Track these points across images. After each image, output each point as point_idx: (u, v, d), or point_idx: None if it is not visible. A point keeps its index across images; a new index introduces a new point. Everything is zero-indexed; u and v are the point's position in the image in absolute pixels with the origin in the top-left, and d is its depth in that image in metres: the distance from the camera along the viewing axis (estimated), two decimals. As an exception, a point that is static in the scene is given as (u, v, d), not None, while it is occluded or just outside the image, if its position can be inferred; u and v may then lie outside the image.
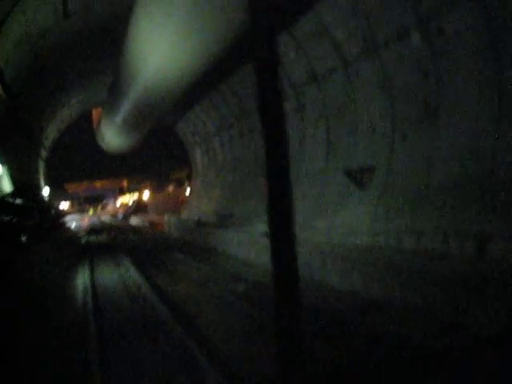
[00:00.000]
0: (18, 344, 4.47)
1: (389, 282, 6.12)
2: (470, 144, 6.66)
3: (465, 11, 6.37)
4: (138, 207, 38.22)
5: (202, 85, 13.46)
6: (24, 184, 11.41)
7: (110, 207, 64.91)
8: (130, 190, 58.10)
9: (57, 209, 23.87)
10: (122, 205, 55.94)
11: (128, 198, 55.42)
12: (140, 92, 11.51)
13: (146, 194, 40.62)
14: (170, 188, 32.83)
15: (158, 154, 35.32)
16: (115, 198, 65.30)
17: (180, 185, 29.57)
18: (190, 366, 4.16)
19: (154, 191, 39.59)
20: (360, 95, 9.34)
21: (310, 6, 9.26)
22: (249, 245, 11.12)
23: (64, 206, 49.46)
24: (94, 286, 8.26)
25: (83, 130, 23.84)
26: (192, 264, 10.65)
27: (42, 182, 17.90)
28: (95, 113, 22.65)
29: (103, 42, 12.51)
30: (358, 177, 9.08)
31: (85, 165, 42.48)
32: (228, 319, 5.96)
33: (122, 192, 64.44)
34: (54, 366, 4.20)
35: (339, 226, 9.26)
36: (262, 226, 11.56)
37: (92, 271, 9.90)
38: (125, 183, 64.15)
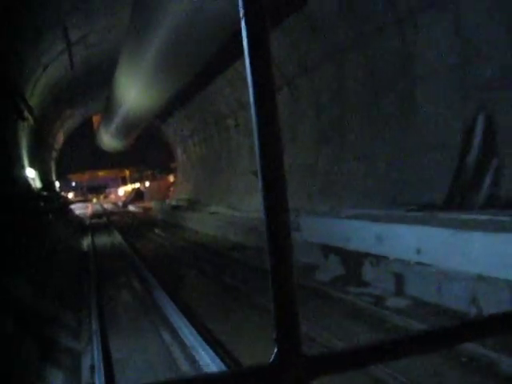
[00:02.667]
0: (61, 251, 10.43)
1: (254, 236, 11.94)
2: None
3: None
4: (136, 196, 44.32)
5: (174, 103, 19.27)
6: (47, 181, 17.45)
7: (112, 196, 70.94)
8: (132, 180, 63.83)
9: (65, 198, 30.04)
10: (125, 193, 61.77)
11: (130, 188, 61.18)
12: (125, 112, 17.28)
13: (147, 184, 46.52)
14: (161, 179, 38.78)
15: (153, 149, 41.16)
16: (117, 188, 70.97)
17: (168, 175, 35.50)
18: (134, 266, 10.09)
19: (151, 181, 45.55)
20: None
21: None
22: (201, 221, 17.03)
23: (69, 195, 55.63)
24: (93, 242, 14.31)
25: (85, 132, 29.79)
26: (159, 233, 16.65)
27: (54, 178, 23.98)
28: (95, 118, 28.56)
29: (98, 79, 18.40)
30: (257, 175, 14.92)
31: (88, 157, 48.21)
32: (164, 256, 11.86)
33: (124, 182, 70.05)
34: (78, 265, 10.15)
35: (252, 206, 15.10)
36: (213, 208, 17.62)
37: (93, 236, 15.99)
38: (127, 173, 69.95)
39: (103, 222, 24.43)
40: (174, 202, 23.11)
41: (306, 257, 8.65)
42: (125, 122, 19.11)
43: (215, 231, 14.58)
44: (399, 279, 6.50)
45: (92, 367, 4.41)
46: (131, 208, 37.09)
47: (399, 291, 6.47)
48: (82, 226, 21.28)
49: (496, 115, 7.32)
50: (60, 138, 24.68)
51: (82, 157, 42.52)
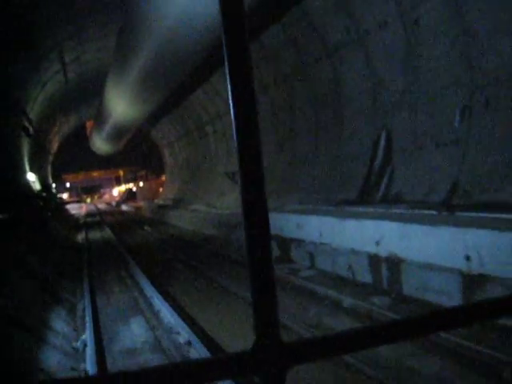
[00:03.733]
0: (61, 245, 12.85)
1: (223, 229, 14.35)
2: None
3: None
4: (129, 196, 46.74)
5: (161, 111, 21.66)
6: (45, 183, 19.88)
7: (106, 196, 73.24)
8: (126, 180, 65.91)
9: (60, 198, 32.43)
10: (119, 193, 63.98)
11: (124, 188, 63.35)
12: (114, 121, 19.64)
13: (140, 184, 48.87)
14: (152, 179, 41.18)
15: (146, 150, 43.55)
16: (112, 188, 73.09)
17: (159, 177, 37.93)
18: (119, 253, 12.52)
19: (143, 182, 47.93)
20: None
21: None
22: (183, 217, 19.46)
23: (64, 196, 57.90)
24: (87, 237, 16.76)
25: (79, 135, 32.21)
26: (145, 229, 19.10)
27: (51, 180, 26.40)
28: (88, 124, 30.96)
29: (90, 90, 20.81)
30: (231, 176, 17.36)
31: (82, 158, 50.42)
32: (145, 245, 14.28)
33: (118, 182, 72.08)
34: (75, 254, 12.57)
35: (224, 204, 17.54)
36: (194, 206, 20.04)
37: (86, 232, 18.43)
38: (121, 173, 72.10)
39: (97, 220, 26.85)
40: (161, 202, 25.54)
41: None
42: (114, 129, 21.48)
43: (193, 226, 17.03)
44: (311, 256, 8.95)
45: (83, 309, 6.84)
46: (124, 207, 39.50)
47: (311, 265, 8.91)
48: (76, 224, 23.71)
49: (392, 132, 9.78)
50: (55, 143, 27.09)
51: (76, 158, 44.79)
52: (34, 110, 17.44)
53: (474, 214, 6.40)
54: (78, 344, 5.20)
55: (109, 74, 16.19)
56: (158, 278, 8.78)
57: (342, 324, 5.72)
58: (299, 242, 9.35)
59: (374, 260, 7.12)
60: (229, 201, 17.19)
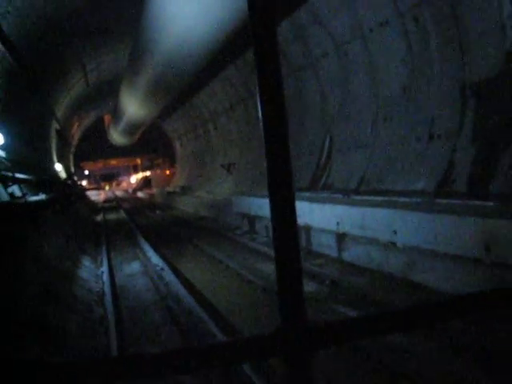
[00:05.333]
0: (82, 221, 16.70)
1: (214, 211, 18.03)
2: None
3: None
4: (145, 183, 50.84)
5: (170, 108, 25.39)
6: (69, 172, 23.85)
7: (124, 184, 77.63)
8: (144, 168, 69.95)
9: (81, 185, 36.62)
10: (136, 181, 68.08)
11: (141, 176, 67.43)
12: (129, 118, 23.38)
13: (158, 172, 52.81)
14: (166, 168, 45.10)
15: (161, 140, 47.51)
16: (129, 176, 77.29)
17: (172, 166, 41.83)
18: (130, 228, 16.31)
19: (158, 170, 51.90)
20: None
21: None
22: (187, 202, 23.23)
23: (83, 183, 62.34)
24: (105, 217, 20.67)
25: (98, 127, 36.19)
26: (156, 212, 22.95)
27: (73, 169, 30.45)
28: (106, 117, 34.89)
29: (108, 90, 24.62)
30: (227, 167, 21.01)
31: (101, 148, 54.51)
32: (156, 226, 18.05)
33: (136, 170, 76.20)
34: (95, 228, 16.43)
35: (221, 191, 21.21)
36: (197, 193, 23.81)
37: (104, 214, 22.37)
38: (138, 161, 76.21)
39: (113, 205, 30.87)
40: (171, 189, 29.39)
41: (232, 221, 14.78)
42: (129, 125, 25.29)
43: (194, 209, 20.78)
44: (267, 228, 12.56)
45: (102, 259, 10.61)
46: (139, 194, 43.60)
47: (266, 235, 12.53)
48: (96, 207, 27.72)
49: (333, 136, 13.29)
50: (77, 136, 31.11)
51: (95, 148, 48.83)
52: (60, 110, 21.32)
53: (358, 197, 9.94)
54: (99, 272, 8.95)
55: (123, 79, 19.85)
56: (154, 242, 12.49)
57: (266, 266, 9.32)
58: (260, 218, 12.97)
59: (298, 228, 10.69)
60: (225, 189, 20.87)
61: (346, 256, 8.92)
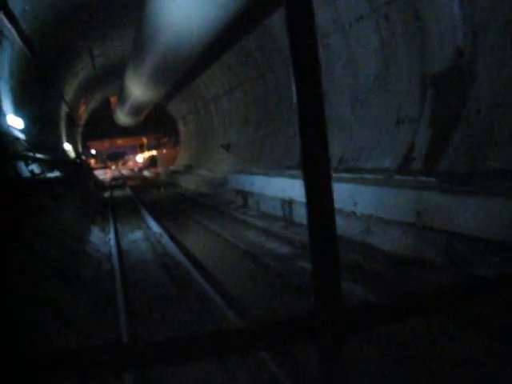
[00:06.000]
0: (90, 197, 18.32)
1: (213, 188, 19.54)
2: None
3: None
4: (151, 162, 52.44)
5: (173, 90, 26.78)
6: (77, 152, 25.44)
7: (130, 163, 79.25)
8: (150, 147, 71.34)
9: (88, 164, 38.25)
10: (143, 160, 69.57)
11: (148, 155, 68.90)
12: (134, 100, 24.82)
13: (164, 151, 54.31)
14: (171, 147, 46.59)
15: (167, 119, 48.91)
16: (136, 155, 78.75)
17: (176, 145, 43.31)
18: (135, 203, 17.91)
19: (163, 149, 53.40)
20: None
21: None
22: (189, 180, 24.77)
23: (90, 162, 63.98)
24: (112, 195, 22.29)
25: (105, 109, 37.66)
26: (160, 190, 24.56)
27: (80, 148, 32.03)
28: (113, 99, 36.29)
29: (113, 73, 26.04)
30: (225, 148, 22.48)
31: (107, 127, 55.99)
32: (158, 201, 19.64)
33: (142, 149, 77.62)
34: (102, 202, 18.06)
35: (220, 169, 22.71)
36: (199, 172, 25.36)
37: (111, 192, 24.01)
38: (145, 141, 77.63)
39: (120, 183, 32.53)
40: (174, 168, 30.94)
41: (228, 197, 16.31)
42: (134, 106, 26.74)
43: (195, 186, 22.33)
44: (258, 203, 14.08)
45: (109, 229, 12.20)
46: (145, 173, 45.23)
47: (257, 208, 14.05)
48: (103, 185, 29.37)
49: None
50: (84, 116, 32.62)
51: (102, 128, 50.29)
52: (68, 93, 22.81)
53: (334, 174, 11.39)
54: (107, 239, 10.54)
55: (128, 63, 21.16)
56: (155, 215, 14.06)
57: (251, 234, 10.85)
58: (252, 194, 14.49)
59: (282, 202, 12.22)
60: (224, 167, 22.36)
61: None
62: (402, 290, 6.23)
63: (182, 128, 34.93)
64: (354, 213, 8.95)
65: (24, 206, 7.34)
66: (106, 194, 23.14)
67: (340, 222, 9.49)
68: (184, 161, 32.42)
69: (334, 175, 11.16)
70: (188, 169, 28.63)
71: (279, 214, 12.36)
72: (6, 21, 10.12)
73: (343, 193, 9.22)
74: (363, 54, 12.34)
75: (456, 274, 6.39)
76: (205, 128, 28.20)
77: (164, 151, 50.52)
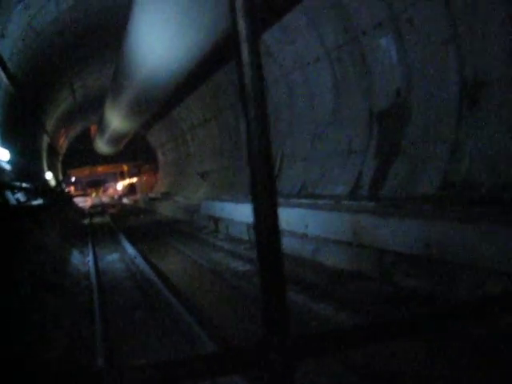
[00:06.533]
0: (71, 223, 19.35)
1: (188, 214, 20.71)
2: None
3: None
4: (130, 190, 53.44)
5: (152, 121, 28.10)
6: (58, 180, 26.49)
7: (111, 190, 79.83)
8: (131, 175, 72.17)
9: (68, 192, 39.16)
10: (123, 187, 70.36)
11: (128, 182, 69.71)
12: (112, 130, 26.07)
13: (144, 179, 55.41)
14: (150, 175, 47.77)
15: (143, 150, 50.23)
16: (116, 182, 79.37)
17: (156, 172, 44.53)
18: (113, 230, 18.98)
19: (142, 177, 54.47)
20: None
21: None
22: (166, 207, 25.89)
23: (70, 189, 64.63)
24: (91, 222, 23.31)
25: (85, 137, 38.84)
26: (138, 217, 25.64)
27: (61, 177, 33.04)
28: (93, 128, 37.55)
29: (93, 104, 27.31)
30: (201, 176, 23.75)
31: (87, 155, 56.95)
32: (135, 228, 20.71)
33: (122, 176, 78.33)
34: (82, 229, 19.09)
35: (196, 196, 23.91)
36: (176, 198, 26.50)
37: (91, 219, 25.01)
38: (125, 168, 78.43)
39: (99, 210, 33.48)
40: (153, 195, 32.06)
41: (201, 222, 17.49)
42: (113, 136, 27.96)
43: (172, 213, 23.46)
44: (227, 227, 15.28)
45: (88, 252, 13.28)
46: (125, 200, 46.18)
47: (226, 232, 15.24)
48: (83, 213, 30.33)
49: (284, 150, 16.07)
50: (64, 145, 33.74)
51: (82, 156, 51.31)
52: (50, 124, 23.99)
53: (295, 200, 12.70)
54: (86, 260, 11.63)
55: (107, 95, 22.43)
56: (131, 240, 15.17)
57: (218, 255, 12.01)
58: (222, 219, 15.69)
59: (248, 226, 13.45)
60: (200, 194, 23.60)
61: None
62: (339, 297, 7.45)
63: (160, 157, 36.20)
64: (306, 234, 10.21)
65: (11, 230, 8.47)
66: (86, 221, 24.15)
67: (294, 242, 10.76)
68: (162, 188, 33.59)
69: (294, 201, 12.44)
70: (166, 196, 29.79)
71: (245, 237, 13.56)
72: (-5, 64, 11.35)
73: (297, 217, 10.49)
74: (321, 91, 13.81)
75: (383, 283, 7.67)
76: (182, 157, 29.49)
77: (144, 178, 51.63)
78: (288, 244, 11.09)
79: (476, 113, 8.95)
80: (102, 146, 33.68)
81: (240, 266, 10.28)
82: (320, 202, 11.27)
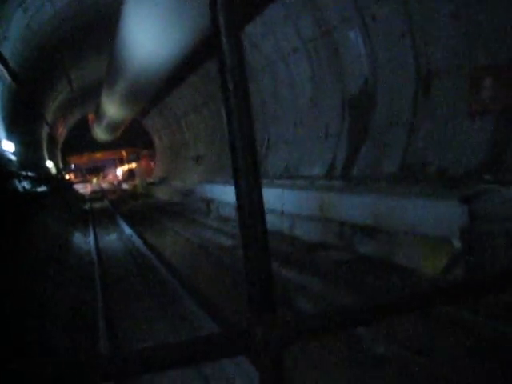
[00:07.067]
0: (72, 208, 20.70)
1: (183, 197, 22.02)
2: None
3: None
4: (129, 175, 54.76)
5: (147, 107, 29.27)
6: (58, 167, 27.80)
7: (110, 176, 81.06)
8: (130, 160, 73.23)
9: (68, 179, 40.51)
10: (122, 173, 71.55)
11: (127, 168, 70.84)
12: (109, 118, 27.25)
13: (141, 164, 56.60)
14: (147, 161, 48.99)
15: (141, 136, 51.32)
16: (115, 168, 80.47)
17: (154, 158, 45.74)
18: (112, 213, 20.33)
19: (140, 162, 55.65)
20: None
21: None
22: (162, 191, 27.21)
23: (70, 176, 65.90)
24: (91, 207, 24.67)
25: (83, 124, 39.99)
26: (136, 201, 26.98)
27: (61, 164, 34.32)
28: (90, 116, 38.67)
29: (90, 93, 28.49)
30: (195, 160, 25.02)
31: (86, 142, 58.02)
32: (133, 211, 22.04)
33: (121, 162, 79.35)
34: (83, 212, 20.45)
35: (191, 180, 25.19)
36: (172, 183, 27.82)
37: (91, 204, 26.38)
38: (124, 154, 79.43)
39: (99, 196, 34.86)
40: (151, 180, 33.38)
41: (195, 204, 18.82)
42: (110, 123, 29.11)
43: (168, 196, 24.80)
44: (217, 208, 16.59)
45: (89, 232, 14.64)
46: (124, 186, 47.54)
47: (217, 212, 16.56)
48: (83, 198, 31.70)
49: (270, 135, 17.30)
50: (63, 133, 34.97)
51: (80, 143, 52.46)
52: (49, 114, 25.21)
53: (278, 181, 13.97)
54: (87, 240, 12.98)
55: (103, 84, 23.55)
56: (129, 222, 16.51)
57: (207, 233, 13.33)
58: (213, 200, 17.01)
59: (234, 206, 14.73)
60: (194, 178, 24.87)
61: (262, 223, 12.98)
62: (303, 263, 8.78)
63: (157, 142, 37.42)
64: (283, 212, 11.51)
65: (21, 213, 9.80)
66: (86, 206, 25.50)
67: (274, 219, 12.08)
68: (160, 173, 34.88)
69: (277, 182, 13.72)
70: (163, 180, 31.08)
71: (234, 217, 14.87)
72: (-2, 63, 12.57)
73: (276, 196, 11.79)
74: (301, 79, 15.01)
75: (343, 250, 9.00)
76: (177, 142, 30.72)
77: (143, 164, 52.86)
78: (269, 221, 12.33)
79: (429, 100, 10.19)
80: (99, 134, 34.89)
81: (224, 241, 11.62)
82: (298, 182, 12.55)
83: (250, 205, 0.94)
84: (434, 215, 6.95)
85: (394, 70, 11.22)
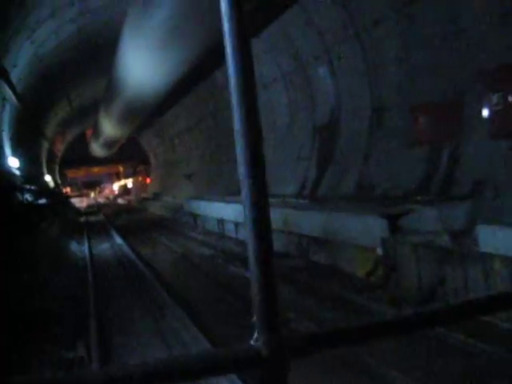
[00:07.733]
0: (69, 220, 22.38)
1: (174, 212, 23.72)
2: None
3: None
4: (124, 191, 56.54)
5: (143, 126, 31.10)
6: (56, 182, 29.56)
7: (106, 191, 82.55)
8: (126, 175, 74.63)
9: (65, 193, 42.26)
10: (118, 188, 73.03)
11: (123, 183, 72.36)
12: (106, 137, 29.07)
13: (137, 180, 58.30)
14: (143, 177, 50.77)
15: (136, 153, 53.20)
16: (112, 183, 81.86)
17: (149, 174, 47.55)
18: (106, 226, 22.02)
19: (135, 178, 57.38)
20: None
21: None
22: (155, 206, 28.92)
23: (66, 190, 67.49)
24: (87, 220, 26.37)
25: (81, 140, 41.82)
26: (130, 215, 28.69)
27: (58, 179, 36.09)
28: (88, 131, 40.53)
29: (88, 112, 30.36)
30: (188, 177, 26.78)
31: (83, 156, 59.70)
32: (126, 224, 23.72)
33: (118, 177, 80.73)
34: (78, 225, 22.13)
35: (183, 196, 26.90)
36: (165, 198, 29.56)
37: (87, 218, 28.09)
38: (121, 169, 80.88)
39: (95, 210, 36.57)
40: (145, 195, 35.14)
41: (184, 219, 20.54)
42: (107, 140, 30.91)
43: (160, 211, 26.52)
44: (203, 222, 18.29)
45: (84, 242, 16.34)
46: (120, 201, 49.27)
47: (203, 227, 18.25)
48: (79, 212, 33.43)
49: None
50: (62, 148, 36.83)
51: (78, 157, 54.24)
52: (49, 131, 27.06)
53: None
54: (82, 248, 14.67)
55: (101, 104, 25.33)
56: (122, 233, 18.19)
57: (191, 244, 15.01)
58: (200, 215, 18.73)
59: (218, 221, 16.49)
60: (186, 194, 26.60)
61: (239, 236, 14.71)
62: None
63: (152, 159, 39.26)
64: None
65: (25, 221, 11.52)
66: (82, 219, 27.21)
67: (244, 232, 13.78)
68: (154, 189, 36.65)
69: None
70: (156, 196, 32.83)
71: (216, 230, 16.58)
72: (7, 88, 14.38)
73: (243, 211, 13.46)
74: (279, 107, 16.84)
75: (300, 259, 10.70)
76: (171, 160, 32.52)
77: (139, 179, 54.57)
78: (244, 233, 14.03)
79: (380, 130, 11.99)
80: (96, 149, 36.71)
81: (206, 252, 13.31)
82: (272, 200, 14.27)
83: (259, 225, 0.95)
84: (367, 229, 8.67)
85: (354, 103, 13.05)
